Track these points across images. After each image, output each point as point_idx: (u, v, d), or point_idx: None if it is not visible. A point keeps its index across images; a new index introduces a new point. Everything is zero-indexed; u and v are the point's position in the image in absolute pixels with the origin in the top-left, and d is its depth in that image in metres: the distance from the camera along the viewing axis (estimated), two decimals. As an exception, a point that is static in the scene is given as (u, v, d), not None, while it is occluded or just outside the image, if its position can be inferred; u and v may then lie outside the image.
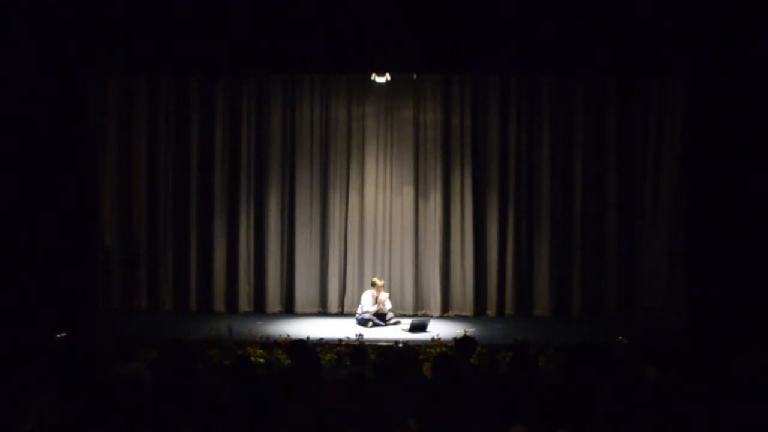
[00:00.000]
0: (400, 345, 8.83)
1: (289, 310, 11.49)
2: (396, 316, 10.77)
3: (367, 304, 10.58)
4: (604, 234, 11.38)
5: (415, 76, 11.40)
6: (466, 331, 9.18)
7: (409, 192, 11.65)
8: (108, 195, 11.37)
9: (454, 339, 7.62)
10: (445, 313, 11.41)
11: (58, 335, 8.71)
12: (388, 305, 10.64)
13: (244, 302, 11.55)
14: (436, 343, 9.04)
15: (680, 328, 10.02)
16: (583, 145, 11.39)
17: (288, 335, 9.24)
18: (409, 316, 10.89)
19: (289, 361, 7.40)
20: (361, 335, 9.20)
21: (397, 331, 10.07)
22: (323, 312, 11.48)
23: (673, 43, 9.50)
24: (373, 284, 10.66)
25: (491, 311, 11.47)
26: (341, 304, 11.56)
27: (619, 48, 9.56)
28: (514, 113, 11.51)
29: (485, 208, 11.58)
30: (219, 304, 11.52)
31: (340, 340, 9.02)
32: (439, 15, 9.39)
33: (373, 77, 10.88)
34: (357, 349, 8.29)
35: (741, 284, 9.49)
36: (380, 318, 10.48)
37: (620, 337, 8.85)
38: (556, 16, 9.40)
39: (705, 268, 9.84)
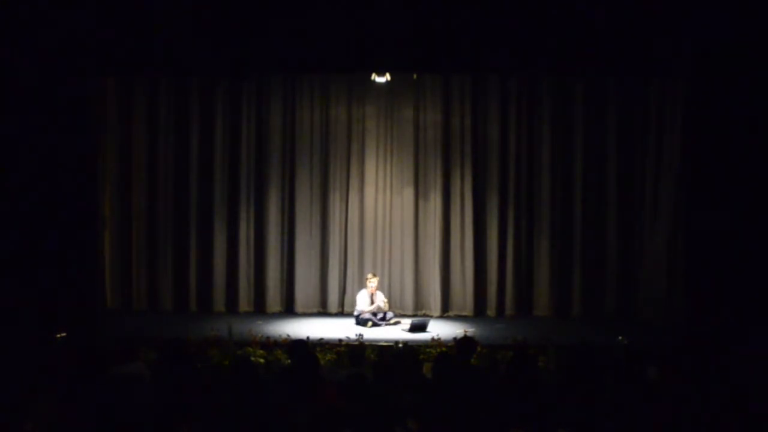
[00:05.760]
0: (400, 345, 8.82)
1: (289, 310, 11.50)
2: (396, 316, 10.78)
3: (362, 303, 10.56)
4: (604, 234, 11.38)
5: (415, 76, 11.40)
6: (466, 331, 9.17)
7: (409, 192, 11.65)
8: (108, 195, 11.38)
9: (454, 339, 7.62)
10: (445, 313, 11.41)
11: (58, 335, 8.70)
12: (384, 307, 10.59)
13: (244, 302, 11.55)
14: (436, 343, 9.03)
15: (680, 328, 10.01)
16: (583, 145, 11.39)
17: (288, 335, 9.24)
18: (409, 316, 10.89)
19: (289, 361, 7.41)
20: (361, 335, 9.18)
21: (397, 331, 10.07)
22: (323, 312, 11.49)
23: (672, 44, 9.49)
24: (368, 280, 10.66)
25: (491, 311, 11.47)
26: (341, 304, 11.56)
27: (620, 48, 9.55)
28: (514, 113, 11.51)
29: (485, 208, 11.58)
30: (219, 304, 11.53)
31: (340, 340, 9.01)
32: (439, 15, 9.38)
33: (373, 77, 10.86)
34: (355, 349, 8.32)
35: (741, 284, 9.48)
36: (380, 318, 10.48)
37: (620, 337, 8.84)
38: (556, 16, 9.39)
39: (705, 267, 9.83)
